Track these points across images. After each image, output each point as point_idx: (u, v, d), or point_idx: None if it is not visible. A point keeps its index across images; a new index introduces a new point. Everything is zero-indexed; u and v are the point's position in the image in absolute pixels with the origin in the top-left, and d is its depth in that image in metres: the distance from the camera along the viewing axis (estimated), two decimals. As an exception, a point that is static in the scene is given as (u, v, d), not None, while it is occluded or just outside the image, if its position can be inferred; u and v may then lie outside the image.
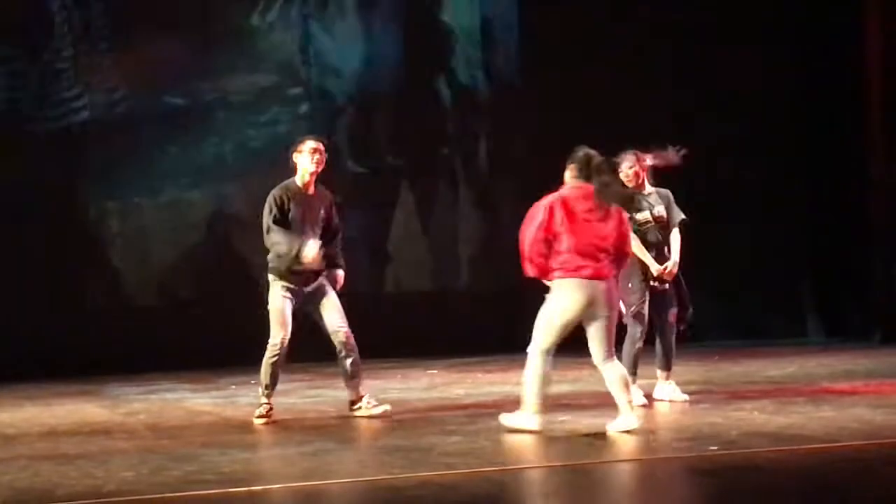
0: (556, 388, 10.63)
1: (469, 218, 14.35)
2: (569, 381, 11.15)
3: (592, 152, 8.55)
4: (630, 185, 9.74)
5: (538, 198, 8.49)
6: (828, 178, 14.81)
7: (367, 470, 7.54)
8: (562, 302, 8.42)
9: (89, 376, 12.38)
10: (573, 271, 8.38)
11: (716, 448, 7.87)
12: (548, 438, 8.44)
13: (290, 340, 9.30)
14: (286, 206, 9.23)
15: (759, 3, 14.87)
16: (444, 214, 14.25)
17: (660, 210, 9.91)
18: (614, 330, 8.58)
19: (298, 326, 9.39)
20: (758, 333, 14.58)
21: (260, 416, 9.35)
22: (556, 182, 8.53)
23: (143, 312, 13.38)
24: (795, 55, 15.03)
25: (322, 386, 11.45)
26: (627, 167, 9.75)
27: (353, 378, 9.50)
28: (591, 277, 8.38)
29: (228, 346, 12.66)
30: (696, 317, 14.60)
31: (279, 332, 9.26)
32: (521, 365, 11.96)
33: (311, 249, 9.12)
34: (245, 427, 9.32)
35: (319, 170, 9.32)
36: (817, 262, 15.03)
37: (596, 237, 8.42)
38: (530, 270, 8.46)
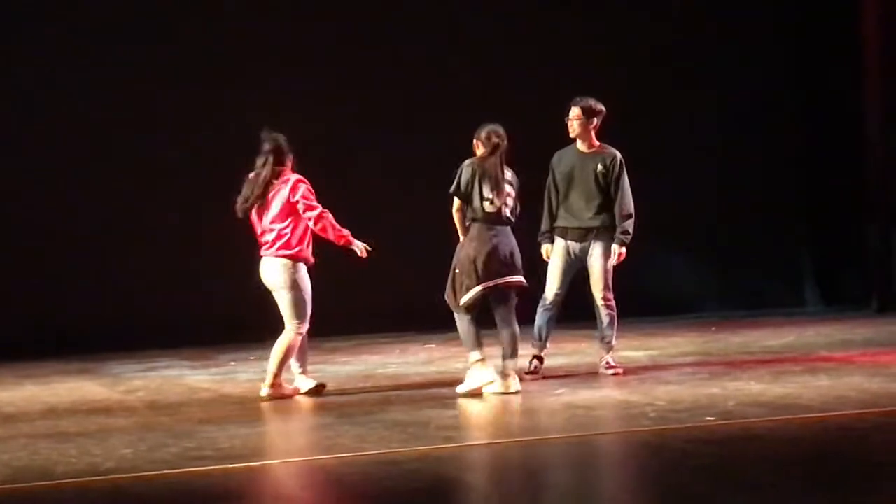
0: (553, 361, 10.70)
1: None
2: (566, 354, 11.17)
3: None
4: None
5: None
6: (824, 147, 14.80)
7: (366, 444, 7.56)
8: None
9: (89, 354, 12.40)
10: None
11: (713, 418, 7.90)
12: (545, 411, 8.47)
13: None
14: None
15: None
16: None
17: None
18: None
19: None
20: (755, 303, 14.59)
21: None
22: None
23: (142, 289, 13.38)
24: (790, 21, 15.00)
25: (320, 361, 11.48)
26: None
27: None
28: None
29: (228, 323, 12.69)
30: (696, 287, 14.64)
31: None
32: (520, 340, 12.01)
33: None
34: (244, 403, 9.34)
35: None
36: (814, 232, 15.04)
37: None
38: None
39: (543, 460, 7.16)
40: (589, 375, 9.90)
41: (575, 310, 12.03)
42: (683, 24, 14.56)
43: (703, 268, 14.55)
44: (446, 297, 9.32)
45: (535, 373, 9.90)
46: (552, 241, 10.05)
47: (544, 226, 10.09)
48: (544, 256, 10.08)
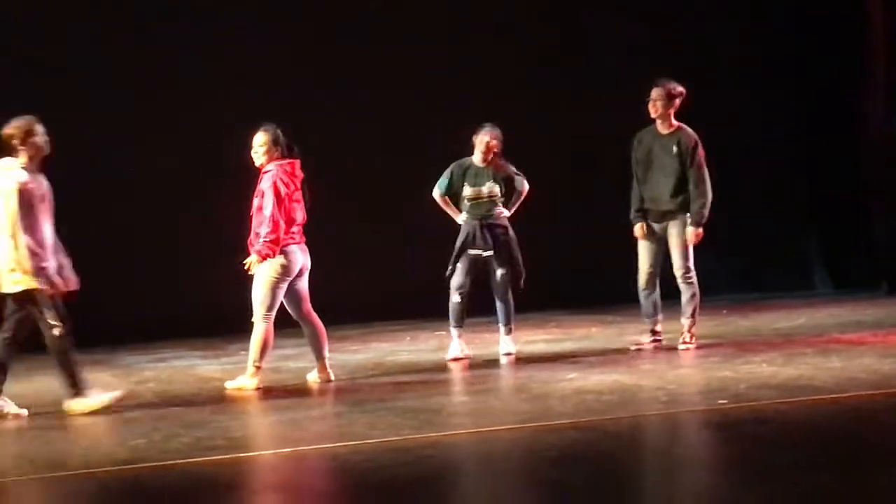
0: (563, 346, 10.71)
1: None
2: (575, 339, 11.17)
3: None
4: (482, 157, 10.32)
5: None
6: (830, 131, 14.76)
7: (377, 432, 7.56)
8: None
9: (100, 345, 12.40)
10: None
11: (725, 401, 7.89)
12: (556, 396, 8.47)
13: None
14: None
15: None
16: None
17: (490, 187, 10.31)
18: None
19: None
20: (766, 287, 14.57)
21: None
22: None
23: (152, 280, 13.39)
24: (794, 5, 14.97)
25: (331, 350, 11.46)
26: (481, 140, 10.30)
27: None
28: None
29: (238, 313, 12.67)
30: (703, 272, 14.63)
31: None
32: (530, 325, 12.02)
33: None
34: (255, 392, 9.35)
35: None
36: (823, 215, 15.00)
37: None
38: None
39: (554, 446, 7.15)
40: (600, 360, 9.90)
41: (586, 295, 12.04)
42: (685, 16, 14.53)
43: (713, 252, 14.52)
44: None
45: (655, 342, 10.32)
46: (644, 219, 10.24)
47: (634, 205, 10.31)
48: (637, 235, 10.29)
